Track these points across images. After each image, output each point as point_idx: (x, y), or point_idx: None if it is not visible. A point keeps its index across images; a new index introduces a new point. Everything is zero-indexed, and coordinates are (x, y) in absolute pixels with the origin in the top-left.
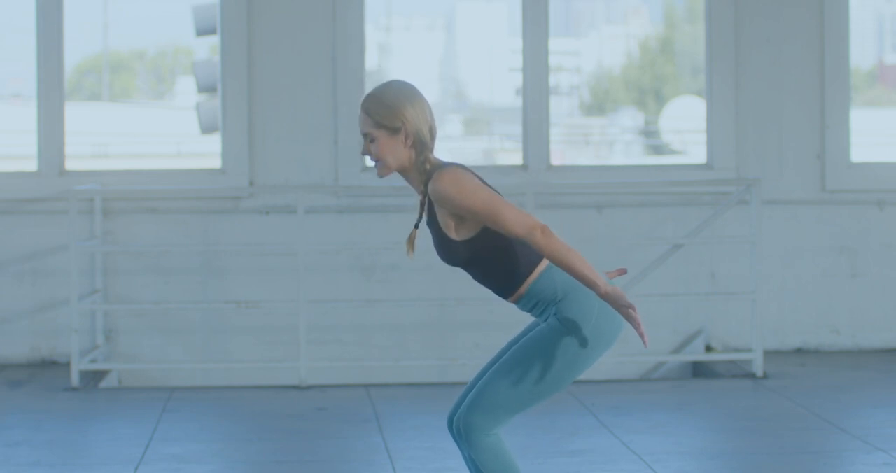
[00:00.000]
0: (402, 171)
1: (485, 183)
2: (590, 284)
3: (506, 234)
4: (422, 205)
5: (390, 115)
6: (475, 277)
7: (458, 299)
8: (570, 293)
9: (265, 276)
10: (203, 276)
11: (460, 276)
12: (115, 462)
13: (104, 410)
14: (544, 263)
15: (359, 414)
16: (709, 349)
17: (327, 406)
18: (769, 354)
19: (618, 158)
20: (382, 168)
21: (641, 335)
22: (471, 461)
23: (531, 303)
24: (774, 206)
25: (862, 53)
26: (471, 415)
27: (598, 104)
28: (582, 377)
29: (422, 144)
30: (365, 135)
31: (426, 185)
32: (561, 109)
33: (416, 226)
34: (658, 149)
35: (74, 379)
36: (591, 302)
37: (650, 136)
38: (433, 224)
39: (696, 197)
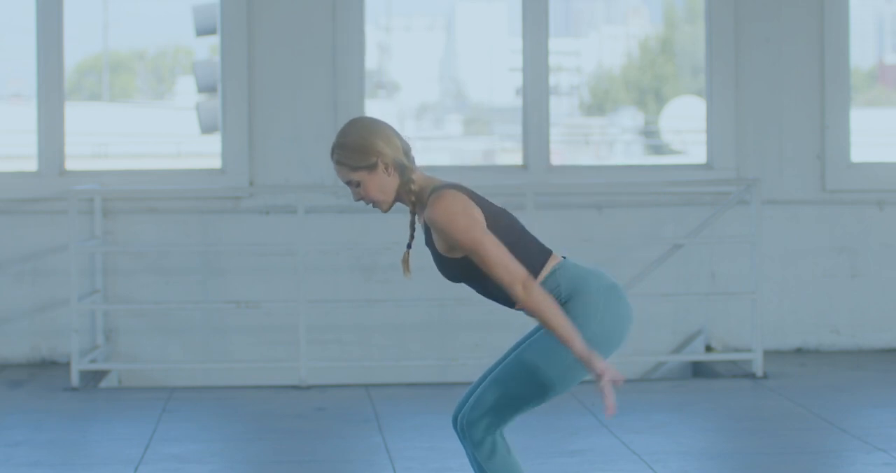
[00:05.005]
0: (396, 198)
1: (483, 201)
2: (565, 342)
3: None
4: (412, 225)
5: (362, 156)
6: (481, 291)
7: (458, 299)
8: (574, 295)
9: (265, 276)
10: (203, 276)
11: None
12: (115, 462)
13: (104, 410)
14: (547, 269)
15: (359, 414)
16: (709, 349)
17: (327, 406)
18: (769, 354)
19: (618, 158)
20: (381, 205)
21: (607, 408)
22: (474, 459)
23: None
24: (774, 206)
25: (862, 53)
26: (475, 414)
27: (598, 104)
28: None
29: (402, 168)
30: (349, 183)
31: (414, 205)
32: (561, 109)
33: (409, 247)
34: (658, 149)
35: (74, 379)
36: (597, 303)
37: (650, 136)
38: (431, 244)
39: (696, 197)
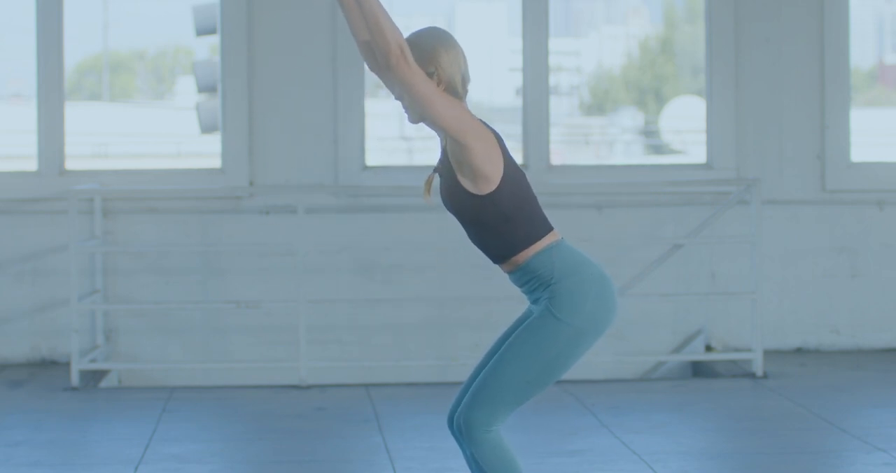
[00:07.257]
0: None
1: (507, 154)
2: None
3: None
4: (444, 151)
5: (424, 59)
6: (473, 236)
7: (458, 299)
8: (566, 277)
9: (265, 276)
10: (203, 276)
11: (460, 276)
12: (115, 462)
13: (104, 410)
14: (545, 242)
15: (359, 414)
16: (709, 349)
17: (327, 407)
18: (769, 354)
19: (618, 158)
20: (413, 114)
21: None
22: (472, 459)
23: (525, 278)
24: (774, 206)
25: (862, 53)
26: (471, 412)
27: (598, 104)
28: (582, 377)
29: (453, 92)
30: None
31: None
32: (561, 109)
33: (435, 171)
34: (658, 149)
35: (74, 379)
36: (590, 289)
37: (650, 136)
38: (447, 168)
39: (696, 197)
